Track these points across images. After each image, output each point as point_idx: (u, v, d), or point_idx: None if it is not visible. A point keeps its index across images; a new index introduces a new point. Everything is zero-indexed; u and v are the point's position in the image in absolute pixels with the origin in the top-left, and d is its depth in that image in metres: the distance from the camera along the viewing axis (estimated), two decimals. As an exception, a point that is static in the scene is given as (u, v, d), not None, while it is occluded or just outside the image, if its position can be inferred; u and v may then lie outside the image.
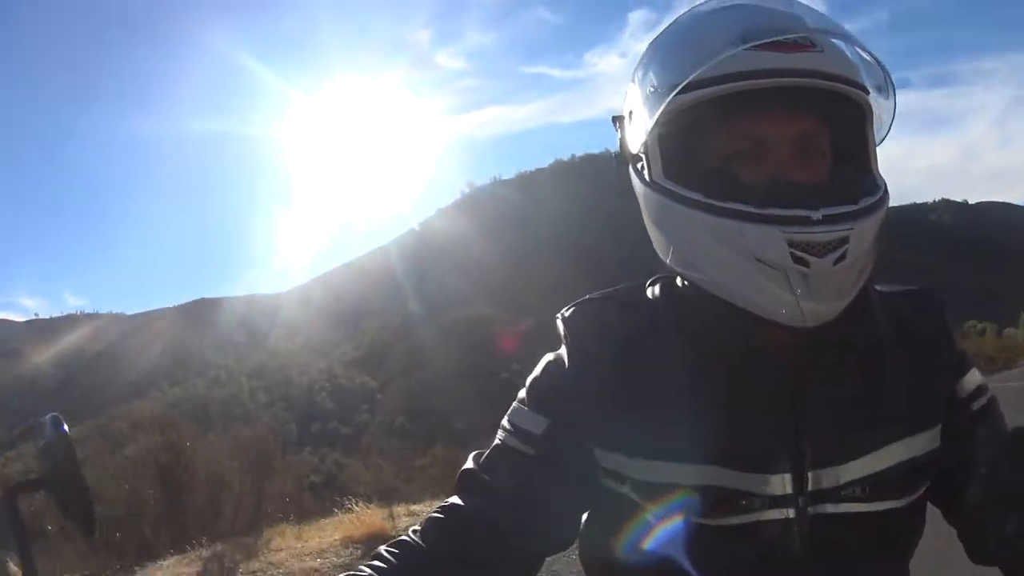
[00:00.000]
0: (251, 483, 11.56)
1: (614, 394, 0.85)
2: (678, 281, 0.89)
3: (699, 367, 0.84)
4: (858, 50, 0.80)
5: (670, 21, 0.88)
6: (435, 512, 0.87)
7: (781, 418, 0.82)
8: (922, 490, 0.88)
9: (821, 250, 0.74)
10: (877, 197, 0.79)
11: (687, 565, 0.83)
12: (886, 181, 0.82)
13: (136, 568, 8.00)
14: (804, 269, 0.74)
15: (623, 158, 0.89)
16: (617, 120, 0.91)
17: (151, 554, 8.61)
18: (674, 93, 0.78)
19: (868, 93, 0.81)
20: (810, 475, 0.82)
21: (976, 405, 0.92)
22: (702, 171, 0.80)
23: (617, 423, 0.85)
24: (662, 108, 0.79)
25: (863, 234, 0.76)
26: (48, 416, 0.65)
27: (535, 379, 0.91)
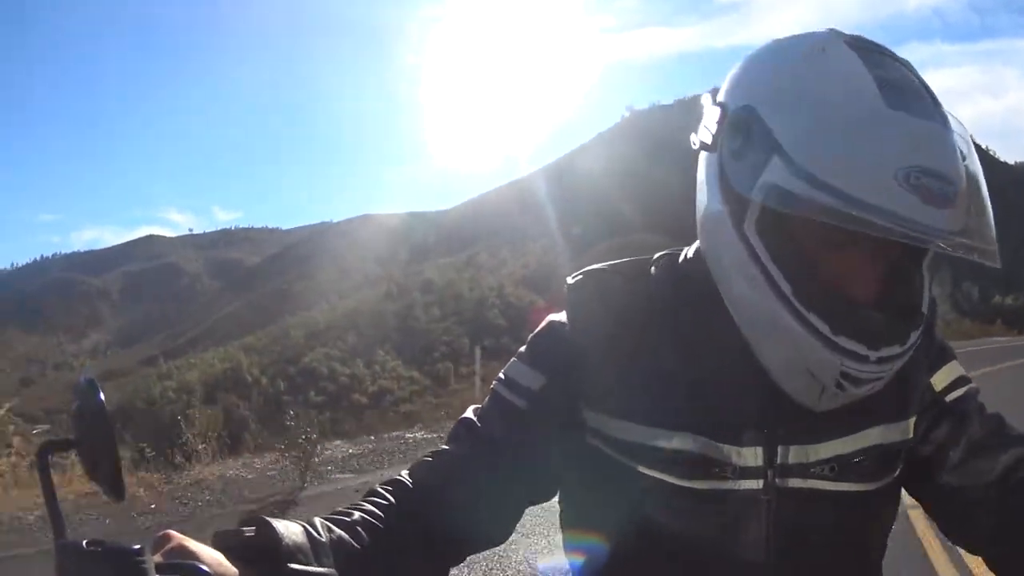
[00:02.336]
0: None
1: (607, 358, 0.89)
2: (680, 257, 0.94)
3: (687, 340, 0.88)
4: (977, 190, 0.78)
5: (771, 43, 0.85)
6: (426, 456, 0.91)
7: (758, 394, 0.86)
8: (890, 479, 0.91)
9: (863, 384, 0.80)
10: (921, 329, 0.82)
11: (657, 525, 0.87)
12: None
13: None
14: (841, 392, 0.80)
15: (709, 146, 0.84)
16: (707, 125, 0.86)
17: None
18: (818, 214, 0.73)
19: None
20: (780, 450, 0.86)
21: (952, 396, 0.94)
22: (795, 251, 0.79)
23: (605, 385, 0.88)
24: (796, 195, 0.74)
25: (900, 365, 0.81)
26: (83, 378, 0.66)
27: (536, 337, 0.95)
